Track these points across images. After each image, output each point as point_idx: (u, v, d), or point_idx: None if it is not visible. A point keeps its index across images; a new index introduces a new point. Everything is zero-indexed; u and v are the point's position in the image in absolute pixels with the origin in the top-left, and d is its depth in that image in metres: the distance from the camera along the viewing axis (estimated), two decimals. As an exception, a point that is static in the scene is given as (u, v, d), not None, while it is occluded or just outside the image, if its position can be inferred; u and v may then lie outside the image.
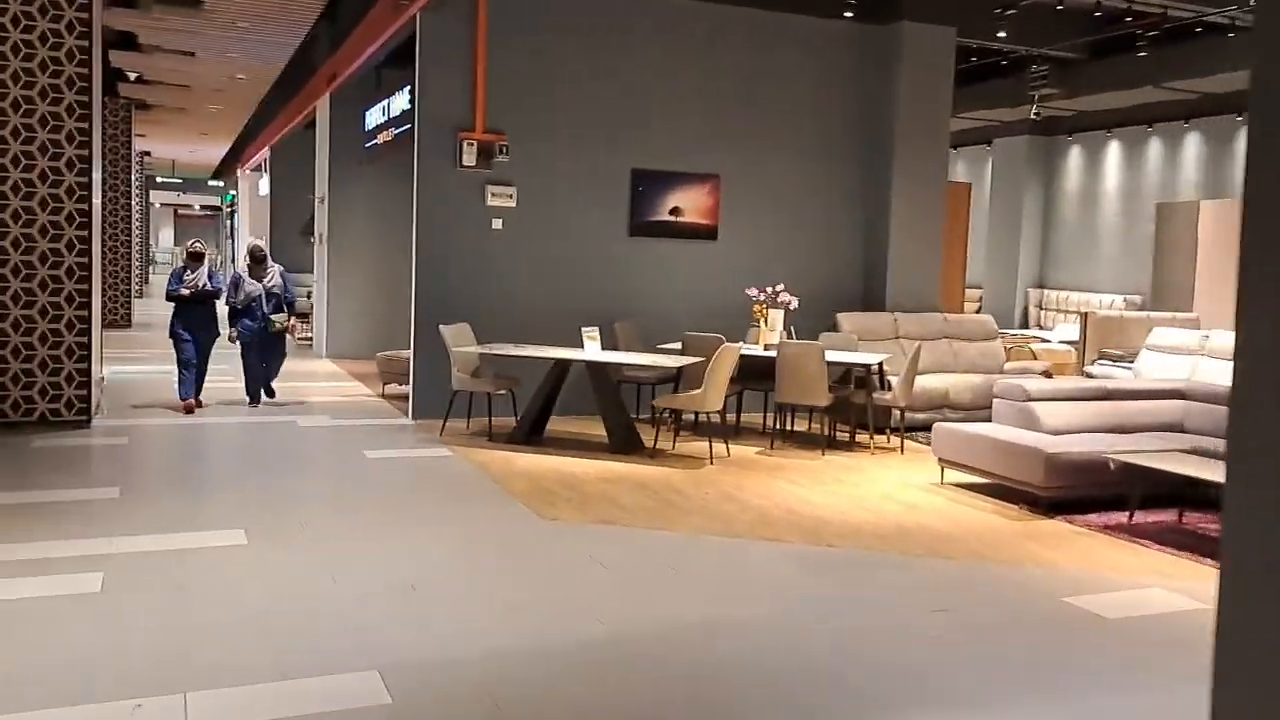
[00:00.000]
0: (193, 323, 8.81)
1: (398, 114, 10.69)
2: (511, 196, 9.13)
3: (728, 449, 7.93)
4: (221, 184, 35.57)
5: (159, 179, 35.82)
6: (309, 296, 14.86)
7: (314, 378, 11.55)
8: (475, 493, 6.41)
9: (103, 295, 9.51)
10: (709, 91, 9.77)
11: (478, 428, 8.54)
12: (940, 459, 7.07)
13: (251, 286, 9.15)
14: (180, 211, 47.80)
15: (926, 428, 9.32)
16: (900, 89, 10.10)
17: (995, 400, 7.32)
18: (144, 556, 4.79)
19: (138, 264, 24.40)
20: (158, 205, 42.57)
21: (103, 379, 8.76)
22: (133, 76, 15.23)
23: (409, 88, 9.89)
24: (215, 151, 27.65)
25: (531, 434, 8.10)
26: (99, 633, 3.89)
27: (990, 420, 7.26)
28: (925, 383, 9.01)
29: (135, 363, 12.38)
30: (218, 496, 6.09)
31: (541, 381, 8.09)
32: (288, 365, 9.90)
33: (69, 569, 4.54)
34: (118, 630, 3.92)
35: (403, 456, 7.48)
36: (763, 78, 9.98)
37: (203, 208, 45.19)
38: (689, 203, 9.81)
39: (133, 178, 17.14)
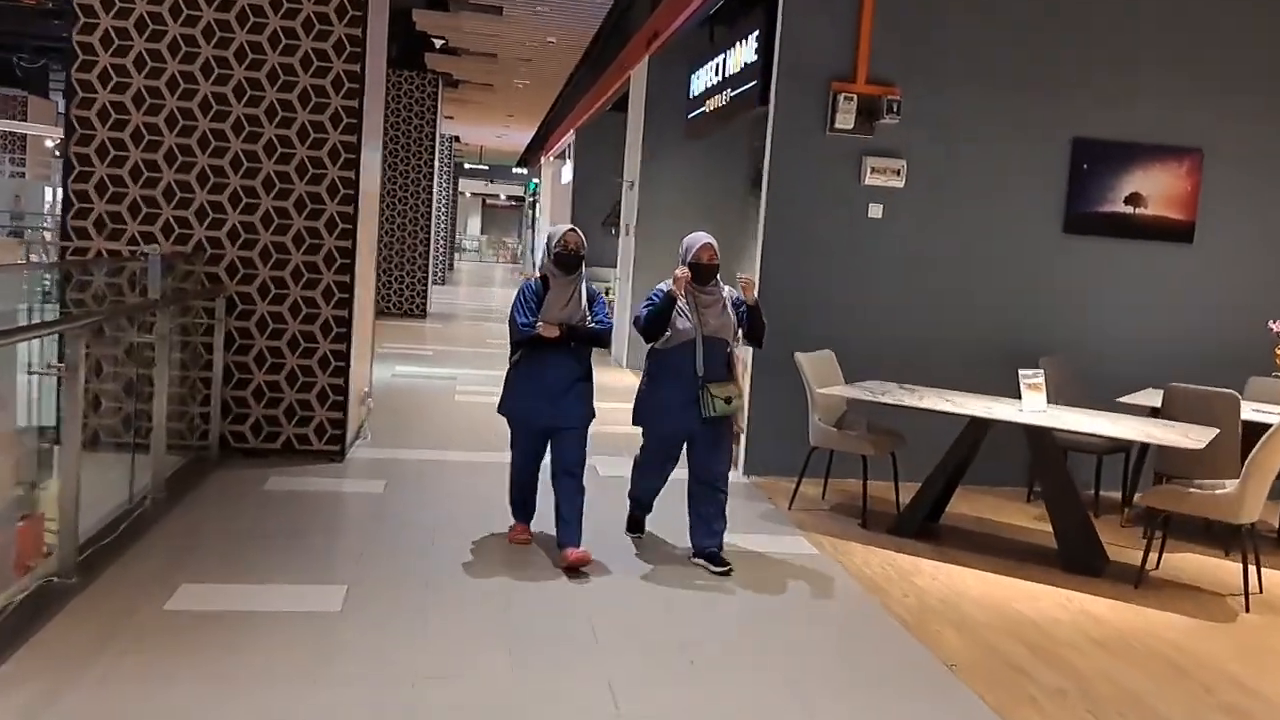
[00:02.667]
0: (553, 391, 4.53)
1: (736, 71, 8.37)
2: (899, 173, 6.51)
3: (1260, 579, 4.91)
4: (525, 172, 35.47)
5: (466, 165, 36.18)
6: (607, 294, 12.98)
7: (611, 395, 9.39)
8: (878, 649, 3.87)
9: (381, 285, 7.73)
10: (1190, 27, 6.67)
11: (839, 498, 6.03)
12: None
13: (685, 323, 4.56)
14: (487, 201, 48.91)
15: None
16: None
17: None
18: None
19: (441, 251, 24.06)
20: (468, 195, 43.59)
21: (368, 395, 7.04)
22: (438, 44, 14.01)
23: (756, 33, 7.54)
24: (521, 137, 27.04)
25: (925, 519, 5.49)
26: None
27: None
28: None
29: (422, 362, 10.95)
30: (476, 621, 3.92)
31: (949, 449, 5.42)
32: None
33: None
34: None
35: (744, 550, 5.05)
36: (1275, 6, 6.73)
37: (508, 198, 45.79)
38: (1155, 188, 6.74)
39: (437, 158, 16.02)
